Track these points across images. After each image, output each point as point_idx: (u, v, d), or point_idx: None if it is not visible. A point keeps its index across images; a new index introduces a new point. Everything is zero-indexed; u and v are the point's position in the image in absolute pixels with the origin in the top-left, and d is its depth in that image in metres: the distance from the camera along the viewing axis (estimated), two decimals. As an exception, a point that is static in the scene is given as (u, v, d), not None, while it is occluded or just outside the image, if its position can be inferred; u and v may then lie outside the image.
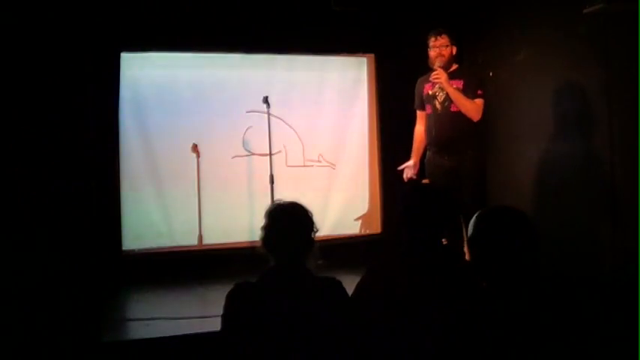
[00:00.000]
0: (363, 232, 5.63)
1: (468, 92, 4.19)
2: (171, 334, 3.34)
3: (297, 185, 5.27)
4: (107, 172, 4.83)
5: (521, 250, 1.82)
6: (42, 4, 4.47)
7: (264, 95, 4.83)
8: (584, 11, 3.95)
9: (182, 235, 5.12)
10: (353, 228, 5.61)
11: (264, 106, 4.82)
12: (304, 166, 5.48)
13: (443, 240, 2.36)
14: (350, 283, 2.30)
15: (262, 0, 5.09)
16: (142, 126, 5.05)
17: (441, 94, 4.26)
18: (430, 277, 2.21)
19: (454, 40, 4.27)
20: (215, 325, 2.24)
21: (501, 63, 4.92)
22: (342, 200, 5.57)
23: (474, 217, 1.92)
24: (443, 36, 4.22)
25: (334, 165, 5.59)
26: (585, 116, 4.30)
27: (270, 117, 4.86)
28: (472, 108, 4.18)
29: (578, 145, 4.34)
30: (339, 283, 2.22)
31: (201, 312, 3.67)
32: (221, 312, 2.16)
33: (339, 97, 5.59)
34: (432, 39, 4.25)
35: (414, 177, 4.50)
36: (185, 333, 3.33)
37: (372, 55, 5.65)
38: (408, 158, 5.51)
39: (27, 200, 4.36)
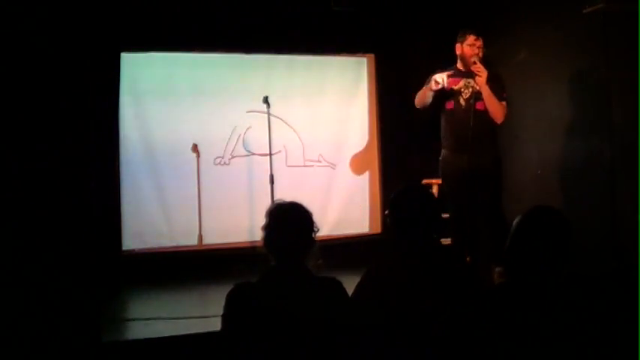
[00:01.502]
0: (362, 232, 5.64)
1: (495, 94, 4.15)
2: (171, 334, 3.34)
3: (297, 185, 5.27)
4: (107, 172, 4.83)
5: (558, 255, 1.83)
6: (42, 5, 4.47)
7: (264, 95, 4.83)
8: (584, 11, 3.95)
9: (182, 235, 5.12)
10: (353, 228, 5.61)
11: (264, 106, 4.82)
12: (304, 166, 5.48)
13: (446, 240, 2.36)
14: (350, 283, 2.30)
15: (262, 0, 5.09)
16: (142, 126, 5.05)
17: (466, 90, 4.20)
18: (429, 277, 2.21)
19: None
20: (215, 325, 2.24)
21: (502, 63, 4.92)
22: (342, 200, 5.58)
23: (523, 214, 1.91)
24: (481, 38, 4.22)
25: (334, 165, 5.59)
26: (585, 116, 4.30)
27: (270, 117, 4.86)
28: (500, 110, 4.16)
29: (578, 145, 4.34)
30: (339, 283, 2.21)
31: (201, 312, 3.67)
32: (221, 312, 2.16)
33: (339, 97, 5.59)
34: (474, 37, 4.21)
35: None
36: (185, 333, 3.32)
37: (372, 55, 5.65)
38: (408, 158, 5.52)
39: (26, 200, 4.36)
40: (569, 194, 4.34)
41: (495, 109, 4.14)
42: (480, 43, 4.21)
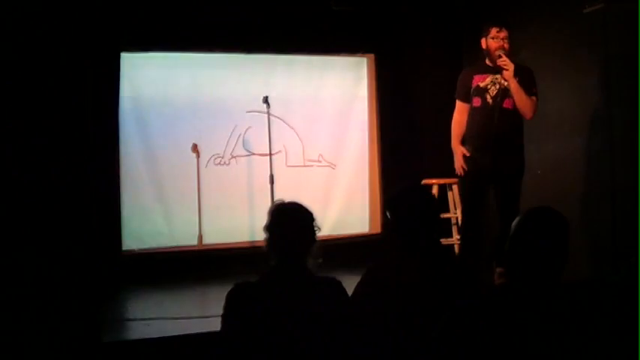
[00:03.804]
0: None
1: (524, 88, 3.96)
2: (171, 334, 3.34)
3: (297, 185, 5.27)
4: (107, 172, 4.83)
5: (557, 255, 1.83)
6: (42, 4, 4.47)
7: (264, 95, 4.83)
8: (584, 11, 3.95)
9: (182, 235, 5.12)
10: (353, 228, 5.61)
11: (264, 106, 4.82)
12: (304, 166, 5.49)
13: (446, 240, 2.37)
14: (350, 283, 2.30)
15: (262, 0, 5.09)
16: (142, 126, 5.05)
17: (493, 87, 4.02)
18: (429, 277, 2.21)
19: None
20: (215, 325, 2.24)
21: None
22: (342, 200, 5.58)
23: (522, 214, 1.91)
24: (504, 29, 4.00)
25: (334, 165, 5.59)
26: (585, 116, 4.30)
27: (270, 117, 4.86)
28: (529, 105, 3.96)
29: (578, 145, 4.34)
30: (339, 283, 2.22)
31: (201, 312, 3.67)
32: (221, 312, 2.16)
33: (339, 97, 5.59)
34: (496, 29, 3.98)
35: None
36: (185, 333, 3.33)
37: (372, 55, 5.64)
38: (407, 157, 5.51)
39: (27, 200, 4.36)
40: (569, 194, 4.34)
41: (523, 103, 3.94)
42: (503, 34, 3.98)
